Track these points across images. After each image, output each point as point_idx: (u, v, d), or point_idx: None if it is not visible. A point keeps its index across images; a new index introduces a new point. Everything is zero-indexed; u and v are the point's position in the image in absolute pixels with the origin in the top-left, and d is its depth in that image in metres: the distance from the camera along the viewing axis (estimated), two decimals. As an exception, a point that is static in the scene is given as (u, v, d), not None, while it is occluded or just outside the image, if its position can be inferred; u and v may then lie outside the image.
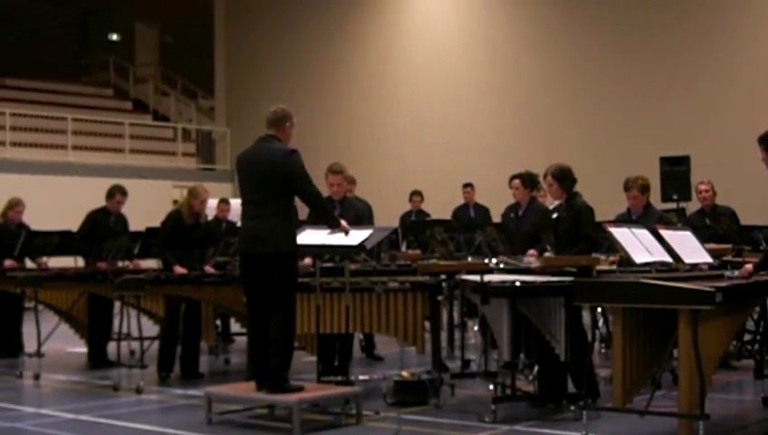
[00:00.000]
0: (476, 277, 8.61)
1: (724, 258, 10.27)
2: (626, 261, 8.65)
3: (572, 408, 8.42)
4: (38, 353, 11.66)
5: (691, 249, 8.23)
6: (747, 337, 11.01)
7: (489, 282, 8.51)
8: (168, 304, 10.90)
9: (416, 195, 18.03)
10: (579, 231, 8.97)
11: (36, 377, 11.32)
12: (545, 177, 9.30)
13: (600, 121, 21.52)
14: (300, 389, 8.44)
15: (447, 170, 22.38)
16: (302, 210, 9.23)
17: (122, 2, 33.95)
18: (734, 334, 8.52)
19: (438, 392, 9.22)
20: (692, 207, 15.03)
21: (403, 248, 14.53)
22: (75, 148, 26.02)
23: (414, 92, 24.95)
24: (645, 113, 20.82)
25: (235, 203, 9.68)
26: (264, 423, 8.65)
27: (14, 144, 25.11)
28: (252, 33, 28.46)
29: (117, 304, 11.42)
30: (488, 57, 23.66)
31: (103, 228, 12.39)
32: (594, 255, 9.35)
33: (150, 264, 13.12)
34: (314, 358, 9.65)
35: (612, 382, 7.49)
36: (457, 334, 11.30)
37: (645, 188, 10.45)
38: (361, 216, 10.57)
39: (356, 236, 8.65)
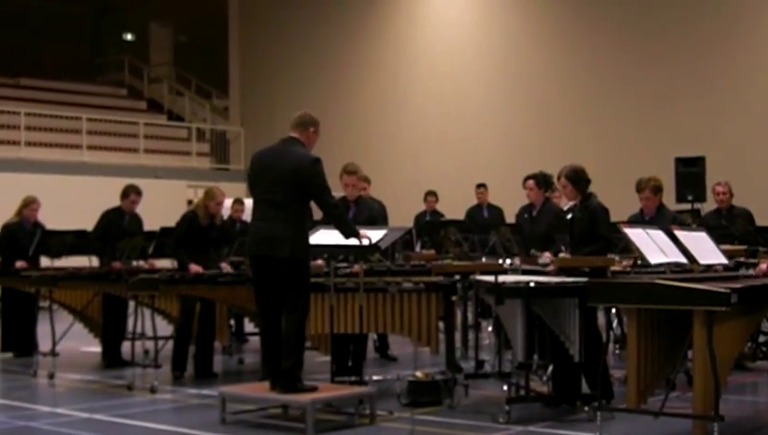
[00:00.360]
0: (491, 278, 8.60)
1: (739, 259, 10.25)
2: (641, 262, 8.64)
3: (586, 409, 8.41)
4: (53, 353, 11.68)
5: (706, 250, 8.21)
6: (762, 338, 10.99)
7: (503, 282, 8.50)
8: (183, 304, 10.92)
9: (430, 195, 18.00)
10: (594, 232, 8.92)
11: (51, 376, 11.34)
12: (559, 178, 9.27)
13: (615, 122, 21.47)
14: (313, 389, 8.45)
15: (461, 170, 22.35)
16: (317, 210, 9.21)
17: (136, 2, 33.98)
18: (749, 336, 8.50)
19: (452, 393, 9.22)
20: (707, 208, 15.00)
21: (417, 249, 14.52)
22: (90, 147, 26.04)
23: (428, 92, 24.94)
24: (660, 114, 20.77)
25: (250, 203, 9.67)
26: (277, 423, 8.65)
27: (28, 144, 25.15)
28: (266, 33, 28.48)
29: (131, 304, 11.46)
30: (502, 57, 23.65)
31: (118, 228, 12.41)
32: (609, 256, 9.33)
33: (165, 263, 13.13)
34: (328, 358, 9.65)
35: (626, 383, 7.47)
36: (471, 335, 11.26)
37: (657, 189, 10.42)
38: (376, 216, 10.58)
39: (371, 237, 8.66)
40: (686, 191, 17.11)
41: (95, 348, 13.08)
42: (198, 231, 11.29)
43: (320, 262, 9.95)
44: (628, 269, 9.73)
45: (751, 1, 20.09)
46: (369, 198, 11.80)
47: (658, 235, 8.13)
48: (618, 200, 10.41)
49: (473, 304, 10.97)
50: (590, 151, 19.55)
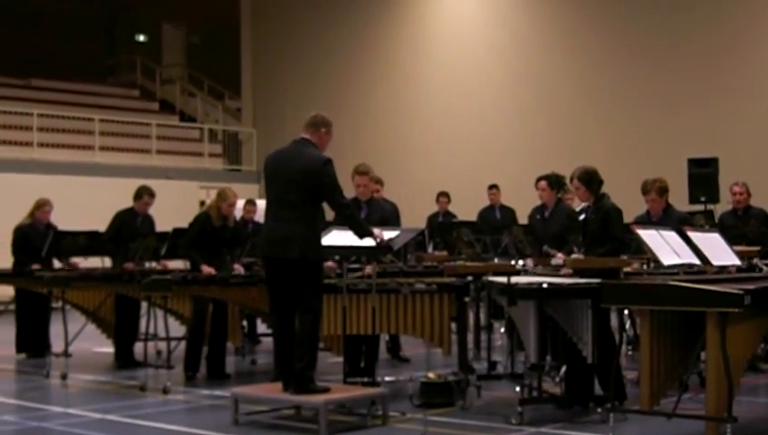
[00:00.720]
0: (503, 279, 8.60)
1: (753, 261, 10.23)
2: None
3: (599, 410, 8.40)
4: (65, 353, 11.70)
5: (719, 251, 8.20)
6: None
7: (516, 283, 8.50)
8: (195, 305, 10.93)
9: (442, 196, 17.98)
10: (607, 232, 8.91)
11: (63, 377, 11.36)
12: (572, 180, 9.25)
13: (627, 123, 21.44)
14: (326, 390, 8.45)
15: (474, 171, 22.33)
16: (329, 211, 9.21)
17: (149, 3, 34.04)
18: (762, 337, 8.48)
19: (465, 394, 9.21)
20: (720, 209, 14.96)
21: (430, 250, 14.53)
22: (102, 148, 26.11)
23: (440, 93, 24.94)
24: (672, 115, 20.73)
25: (262, 204, 9.69)
26: (290, 424, 8.66)
27: (41, 145, 25.23)
28: (279, 34, 28.49)
29: (144, 305, 11.47)
30: (514, 58, 23.63)
31: (130, 229, 12.43)
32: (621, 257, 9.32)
33: (177, 264, 13.14)
34: (341, 359, 9.66)
35: (639, 385, 7.47)
36: (484, 336, 11.29)
37: (663, 191, 10.37)
38: (388, 217, 10.57)
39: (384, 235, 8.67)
40: (699, 192, 17.07)
41: (108, 349, 13.10)
42: (211, 232, 11.30)
43: (330, 263, 9.95)
44: (642, 270, 9.71)
45: (765, 4, 20.03)
46: (381, 199, 11.80)
47: (671, 236, 8.12)
48: (630, 201, 10.40)
49: (485, 306, 11.00)
50: (602, 152, 19.52)
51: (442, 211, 17.86)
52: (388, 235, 8.74)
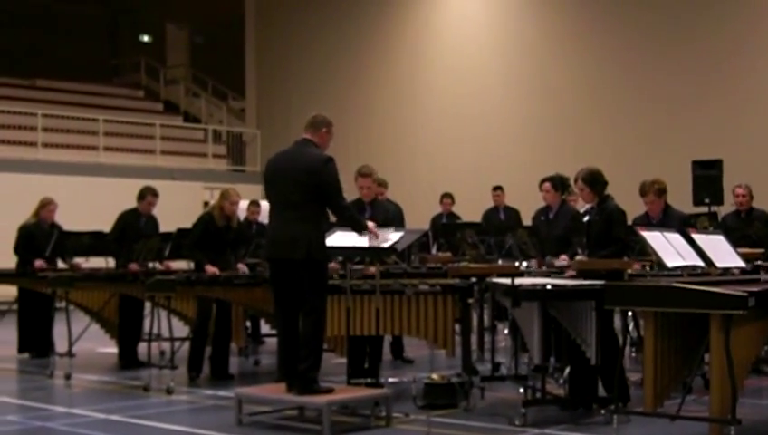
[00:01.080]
0: (507, 280, 8.59)
1: (756, 263, 10.22)
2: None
3: (603, 412, 8.39)
4: (69, 354, 11.71)
5: (723, 253, 8.20)
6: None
7: (520, 285, 8.49)
8: (199, 305, 10.93)
9: (446, 197, 17.96)
10: (611, 234, 8.91)
11: (67, 377, 11.37)
12: (576, 181, 9.26)
13: (632, 124, 21.44)
14: (330, 390, 8.45)
15: (478, 172, 22.32)
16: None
17: (153, 3, 34.07)
18: (765, 339, 8.47)
19: (468, 395, 9.21)
20: (724, 211, 14.95)
21: (433, 251, 14.52)
22: (106, 149, 26.13)
23: (444, 94, 24.94)
24: (677, 117, 20.74)
25: (266, 205, 9.68)
26: (293, 425, 8.66)
27: (45, 145, 25.24)
28: (283, 35, 28.50)
29: (148, 305, 11.48)
30: (519, 59, 23.63)
31: (134, 230, 12.43)
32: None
33: (181, 265, 13.15)
34: (344, 360, 9.66)
35: (643, 386, 7.46)
36: (487, 337, 11.27)
37: (661, 192, 10.33)
38: (392, 218, 10.57)
39: (387, 239, 8.68)
40: (704, 194, 17.08)
41: (111, 349, 13.11)
42: (215, 233, 11.30)
43: (333, 264, 9.96)
44: (646, 272, 9.70)
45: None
46: (385, 200, 11.81)
47: (675, 237, 8.11)
48: (634, 203, 10.38)
49: (489, 307, 10.98)
50: (607, 154, 19.51)
51: (446, 212, 17.84)
52: (392, 236, 8.75)
